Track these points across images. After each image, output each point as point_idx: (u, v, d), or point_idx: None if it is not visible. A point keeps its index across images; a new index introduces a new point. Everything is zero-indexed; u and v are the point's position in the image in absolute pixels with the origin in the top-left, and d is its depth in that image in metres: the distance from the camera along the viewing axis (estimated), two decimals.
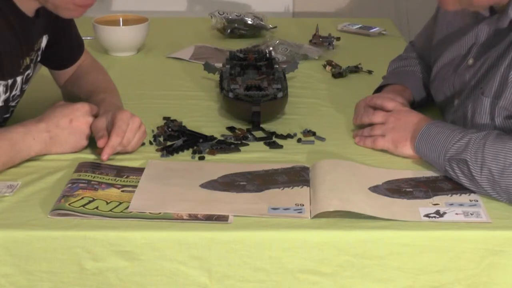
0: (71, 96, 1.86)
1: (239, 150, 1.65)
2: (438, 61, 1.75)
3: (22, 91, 1.70)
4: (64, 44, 1.82)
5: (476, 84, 1.59)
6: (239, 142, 1.67)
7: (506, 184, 1.41)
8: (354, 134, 1.71)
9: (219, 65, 2.05)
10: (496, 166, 1.42)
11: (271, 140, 1.70)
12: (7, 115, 1.71)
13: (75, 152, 1.61)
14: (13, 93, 1.66)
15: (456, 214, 1.40)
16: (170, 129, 1.73)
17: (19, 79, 1.65)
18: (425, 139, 1.54)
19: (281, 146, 1.67)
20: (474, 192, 1.47)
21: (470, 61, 1.62)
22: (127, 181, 1.50)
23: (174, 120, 1.79)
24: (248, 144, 1.67)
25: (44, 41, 1.72)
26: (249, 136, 1.71)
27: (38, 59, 1.74)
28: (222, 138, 1.70)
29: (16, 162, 1.54)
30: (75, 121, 1.59)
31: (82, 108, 1.61)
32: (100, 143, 1.57)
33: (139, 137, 1.62)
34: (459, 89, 1.65)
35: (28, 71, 1.68)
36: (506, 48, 1.53)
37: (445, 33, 1.75)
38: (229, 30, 2.52)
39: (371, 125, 1.68)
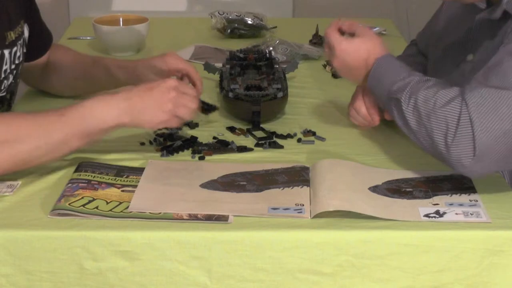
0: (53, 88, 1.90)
1: (236, 151, 1.64)
2: (437, 56, 1.75)
3: (14, 76, 1.69)
4: (38, 31, 1.83)
5: None
6: (242, 147, 1.66)
7: (431, 127, 1.44)
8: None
9: (219, 65, 2.05)
10: (425, 108, 1.45)
11: (271, 140, 1.70)
12: (2, 95, 1.70)
13: (159, 128, 1.58)
14: (4, 67, 1.64)
15: (456, 214, 1.40)
16: (170, 129, 1.73)
17: (6, 53, 1.64)
18: (374, 77, 1.58)
19: (281, 146, 1.67)
20: (474, 192, 1.47)
21: (470, 57, 1.62)
22: (127, 181, 1.50)
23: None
24: (252, 149, 1.66)
25: (26, 30, 1.72)
26: (249, 135, 1.72)
27: (25, 49, 1.73)
28: (222, 138, 1.70)
29: (95, 132, 1.47)
30: (155, 90, 1.50)
31: (166, 82, 1.53)
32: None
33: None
34: (459, 85, 1.64)
35: (16, 49, 1.67)
36: (500, 40, 1.53)
37: (445, 29, 1.75)
38: (229, 30, 2.52)
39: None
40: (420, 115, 1.45)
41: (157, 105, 1.50)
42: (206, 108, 1.78)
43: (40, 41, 1.86)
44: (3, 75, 1.65)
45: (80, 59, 1.89)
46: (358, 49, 1.61)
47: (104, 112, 1.47)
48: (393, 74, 1.55)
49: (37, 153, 1.44)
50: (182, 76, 1.76)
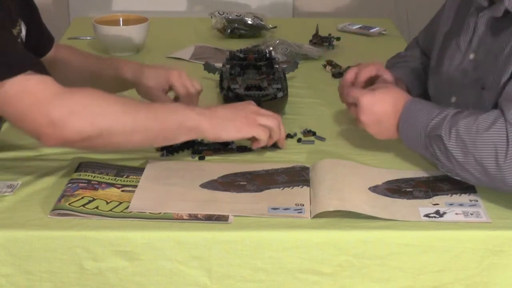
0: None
1: (236, 151, 1.64)
2: (440, 55, 1.74)
3: None
4: (37, 30, 1.83)
5: (477, 79, 1.58)
6: (242, 147, 1.66)
7: (479, 153, 1.41)
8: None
9: (219, 65, 2.05)
10: (469, 136, 1.42)
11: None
12: None
13: (243, 137, 1.54)
14: None
15: (456, 214, 1.40)
16: None
17: None
18: (406, 124, 1.54)
19: (278, 146, 1.67)
20: (474, 192, 1.47)
21: (471, 56, 1.62)
22: (127, 181, 1.50)
23: None
24: (252, 150, 1.66)
25: (23, 29, 1.72)
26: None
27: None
28: None
29: (174, 128, 1.47)
30: (238, 105, 1.54)
31: (247, 103, 1.56)
32: None
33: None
34: (459, 85, 1.64)
35: None
36: (504, 39, 1.52)
37: (447, 27, 1.75)
38: (229, 30, 2.52)
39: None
40: (466, 144, 1.42)
41: (241, 116, 1.52)
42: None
43: (40, 41, 1.86)
44: None
45: (86, 59, 1.89)
46: (384, 98, 1.59)
47: (184, 113, 1.48)
48: (426, 114, 1.52)
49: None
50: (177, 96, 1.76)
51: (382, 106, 1.57)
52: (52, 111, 1.38)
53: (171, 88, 1.76)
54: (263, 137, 1.54)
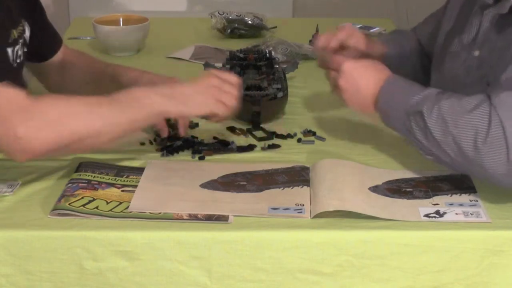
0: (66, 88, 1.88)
1: (236, 151, 1.64)
2: (444, 53, 1.74)
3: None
4: (43, 31, 1.83)
5: (482, 76, 1.58)
6: (242, 147, 1.66)
7: (459, 133, 1.41)
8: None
9: (219, 65, 2.05)
10: (450, 116, 1.42)
11: (269, 143, 1.69)
12: None
13: (208, 114, 1.53)
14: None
15: (456, 214, 1.40)
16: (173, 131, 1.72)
17: (9, 51, 1.64)
18: (385, 97, 1.54)
19: (278, 146, 1.67)
20: (474, 192, 1.47)
21: (476, 53, 1.61)
22: (127, 181, 1.50)
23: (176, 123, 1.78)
24: (252, 149, 1.66)
25: (27, 30, 1.72)
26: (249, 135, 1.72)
27: (25, 49, 1.73)
28: (222, 138, 1.70)
29: (141, 118, 1.47)
30: (198, 81, 1.52)
31: (208, 77, 1.54)
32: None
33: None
34: (462, 82, 1.64)
35: (18, 48, 1.67)
36: (510, 35, 1.52)
37: (449, 26, 1.75)
38: (229, 30, 2.52)
39: None
40: (446, 123, 1.42)
41: (201, 90, 1.51)
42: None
43: (47, 42, 1.86)
44: None
45: (93, 64, 1.89)
46: (367, 67, 1.60)
47: (148, 98, 1.47)
48: (408, 90, 1.52)
49: (90, 132, 1.43)
50: None
51: (363, 74, 1.58)
52: (17, 126, 1.37)
53: None
54: (222, 114, 1.54)
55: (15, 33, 1.65)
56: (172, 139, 1.69)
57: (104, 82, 1.84)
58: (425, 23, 1.96)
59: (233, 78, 1.57)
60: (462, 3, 1.72)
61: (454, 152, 1.41)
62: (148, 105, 1.47)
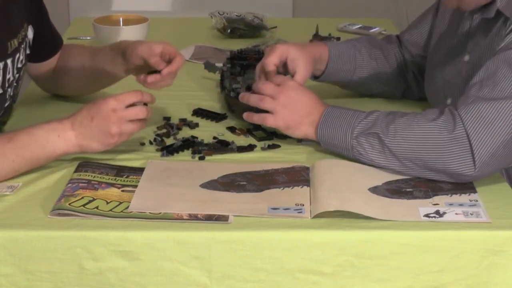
0: (61, 89, 1.90)
1: (236, 151, 1.64)
2: (436, 58, 1.74)
3: (17, 80, 1.69)
4: (47, 32, 1.83)
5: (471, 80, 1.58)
6: (242, 147, 1.66)
7: (420, 154, 1.47)
8: (241, 96, 1.68)
9: (219, 65, 2.05)
10: (409, 131, 1.48)
11: (269, 143, 1.69)
12: (7, 104, 1.70)
13: (107, 150, 1.56)
14: (7, 76, 1.65)
15: (456, 214, 1.40)
16: (174, 132, 1.72)
17: (9, 62, 1.64)
18: (328, 121, 1.57)
19: (278, 146, 1.67)
20: (474, 192, 1.47)
21: (466, 57, 1.62)
22: (127, 181, 1.50)
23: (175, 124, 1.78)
24: (252, 149, 1.66)
25: (30, 32, 1.72)
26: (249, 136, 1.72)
27: (28, 51, 1.73)
28: (222, 138, 1.70)
29: (41, 160, 1.51)
30: (96, 119, 1.52)
31: (105, 106, 1.53)
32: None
33: None
34: (454, 86, 1.64)
35: (18, 55, 1.67)
36: (493, 38, 1.53)
37: (441, 31, 1.75)
38: (229, 30, 2.52)
39: None
40: (405, 139, 1.48)
41: (102, 132, 1.52)
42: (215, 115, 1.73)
43: (49, 43, 1.86)
44: (7, 84, 1.65)
45: (85, 56, 1.87)
46: (309, 92, 1.62)
47: (51, 143, 1.50)
48: (351, 115, 1.55)
49: None
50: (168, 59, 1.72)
51: (305, 96, 1.61)
52: None
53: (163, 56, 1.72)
54: (125, 139, 1.56)
55: (15, 42, 1.65)
56: (172, 139, 1.69)
57: (97, 75, 1.83)
58: (413, 27, 1.93)
59: (133, 98, 1.55)
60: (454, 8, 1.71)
61: (419, 166, 1.48)
62: (48, 148, 1.50)
